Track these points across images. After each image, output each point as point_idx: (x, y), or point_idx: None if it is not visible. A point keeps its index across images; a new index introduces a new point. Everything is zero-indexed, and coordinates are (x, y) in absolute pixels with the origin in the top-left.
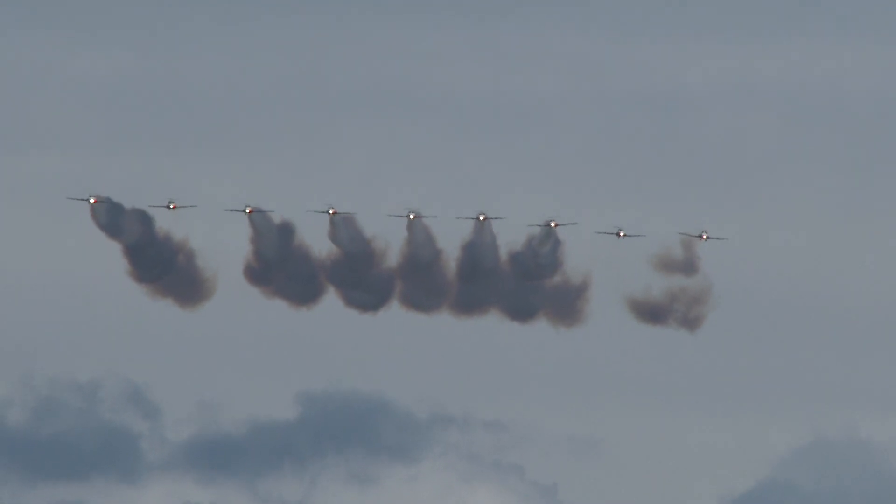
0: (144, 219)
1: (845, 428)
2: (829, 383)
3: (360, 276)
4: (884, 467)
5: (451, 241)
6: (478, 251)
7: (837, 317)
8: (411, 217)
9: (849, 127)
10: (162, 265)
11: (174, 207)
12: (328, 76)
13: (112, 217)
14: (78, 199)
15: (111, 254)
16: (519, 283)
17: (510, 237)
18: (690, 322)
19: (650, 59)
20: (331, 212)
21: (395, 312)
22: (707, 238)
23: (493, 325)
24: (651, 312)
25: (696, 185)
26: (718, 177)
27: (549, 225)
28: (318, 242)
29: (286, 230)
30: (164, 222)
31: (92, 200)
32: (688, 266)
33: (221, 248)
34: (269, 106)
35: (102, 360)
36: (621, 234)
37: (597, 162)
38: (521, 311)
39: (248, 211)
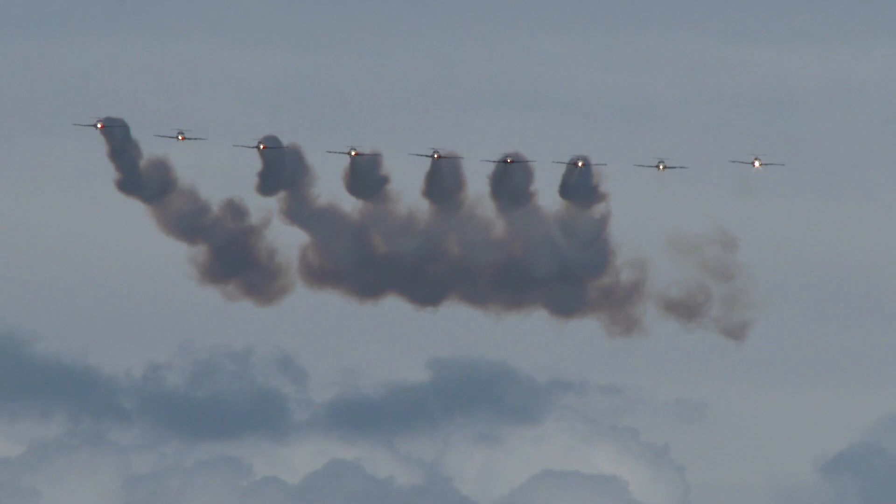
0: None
1: None
2: None
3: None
4: None
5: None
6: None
7: None
8: (436, 156)
9: None
10: (239, 262)
11: (183, 139)
12: (462, 77)
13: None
14: (84, 125)
15: None
16: (564, 285)
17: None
18: (733, 331)
19: (758, 62)
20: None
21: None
22: (761, 164)
23: (536, 323)
24: (687, 313)
25: (796, 177)
26: (815, 170)
27: (576, 164)
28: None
29: (362, 229)
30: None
31: (99, 126)
32: (722, 272)
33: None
34: (407, 105)
35: (255, 330)
36: (661, 166)
37: (703, 156)
38: (568, 310)
39: (260, 147)
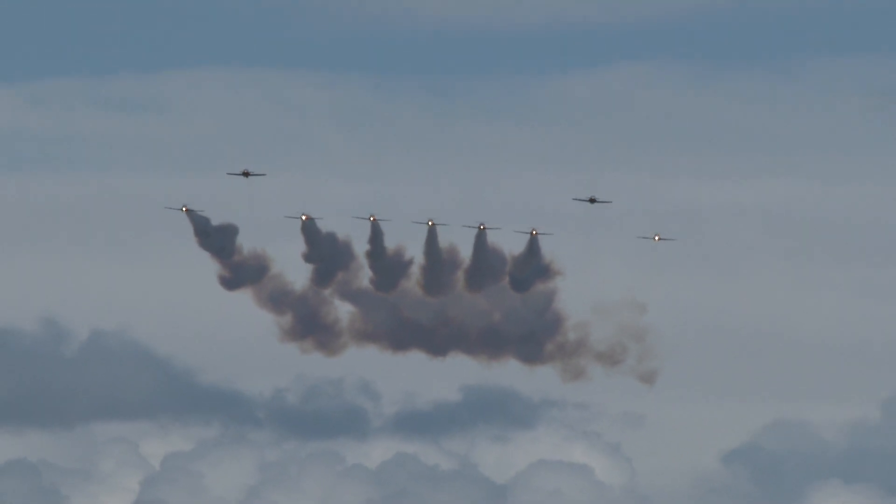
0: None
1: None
2: (782, 383)
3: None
4: (817, 438)
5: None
6: (504, 318)
7: (787, 344)
8: (430, 223)
9: (805, 237)
10: (313, 326)
11: (247, 174)
12: (470, 195)
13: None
14: (172, 209)
15: None
16: (523, 342)
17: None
18: (645, 377)
19: (674, 189)
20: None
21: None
22: (660, 239)
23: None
24: (610, 363)
25: (693, 260)
26: (706, 256)
27: (531, 233)
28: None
29: (394, 306)
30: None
31: (183, 209)
32: (635, 332)
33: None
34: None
35: (345, 365)
36: (592, 200)
37: (626, 248)
38: (533, 361)
39: (303, 218)
